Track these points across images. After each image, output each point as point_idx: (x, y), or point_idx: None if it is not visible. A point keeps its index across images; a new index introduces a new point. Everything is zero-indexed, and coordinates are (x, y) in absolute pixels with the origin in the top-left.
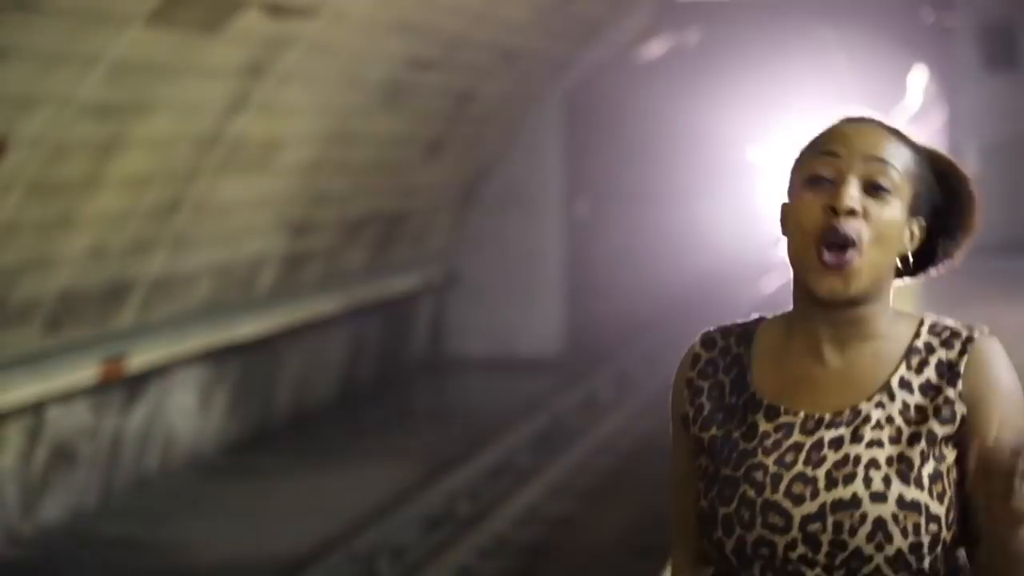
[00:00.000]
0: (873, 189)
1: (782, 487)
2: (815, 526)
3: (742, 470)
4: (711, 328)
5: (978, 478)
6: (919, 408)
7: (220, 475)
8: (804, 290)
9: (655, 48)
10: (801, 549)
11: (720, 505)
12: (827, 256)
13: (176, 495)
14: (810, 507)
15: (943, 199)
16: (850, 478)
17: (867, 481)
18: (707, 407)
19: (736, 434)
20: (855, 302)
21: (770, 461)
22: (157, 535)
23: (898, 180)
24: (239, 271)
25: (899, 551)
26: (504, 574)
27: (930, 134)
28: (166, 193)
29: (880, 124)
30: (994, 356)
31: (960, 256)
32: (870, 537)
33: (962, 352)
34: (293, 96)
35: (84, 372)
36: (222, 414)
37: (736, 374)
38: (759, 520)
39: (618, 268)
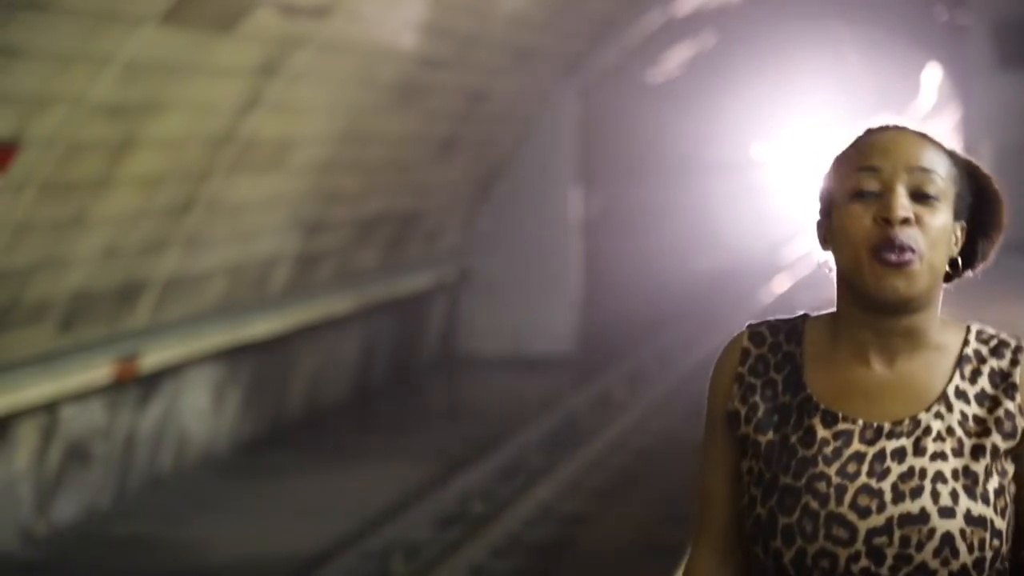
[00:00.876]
0: (922, 198)
1: (847, 499)
2: (881, 539)
3: (803, 480)
4: (755, 322)
5: None
6: (977, 419)
7: (234, 474)
8: (857, 296)
9: (673, 56)
10: (864, 562)
11: (780, 515)
12: (889, 255)
13: (190, 494)
14: (876, 520)
15: (973, 199)
16: (917, 492)
17: (935, 495)
18: (761, 408)
19: (793, 439)
20: (911, 307)
21: (832, 471)
22: (171, 534)
23: (943, 186)
24: (252, 270)
25: (964, 566)
26: (518, 573)
27: (944, 133)
28: (179, 192)
29: (915, 132)
30: None
31: (994, 254)
32: (937, 552)
33: (1014, 362)
34: (306, 95)
35: (98, 371)
36: (236, 413)
37: (788, 372)
38: (822, 532)
39: (631, 266)
